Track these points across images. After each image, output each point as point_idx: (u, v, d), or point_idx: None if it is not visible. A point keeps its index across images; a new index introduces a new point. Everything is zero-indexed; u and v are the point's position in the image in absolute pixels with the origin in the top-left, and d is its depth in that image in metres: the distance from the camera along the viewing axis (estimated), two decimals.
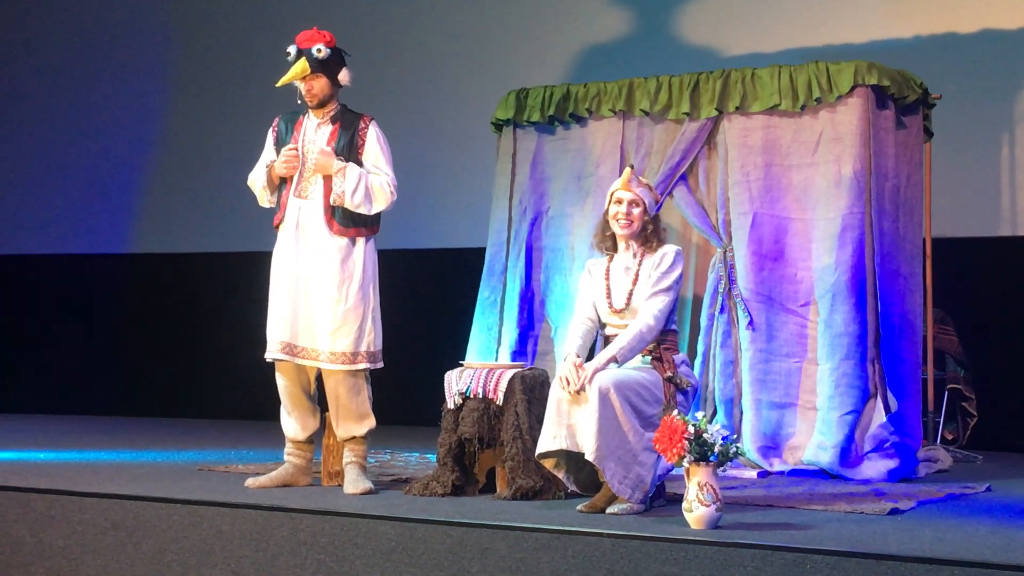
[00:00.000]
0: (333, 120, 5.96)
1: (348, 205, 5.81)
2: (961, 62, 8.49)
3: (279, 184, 5.99)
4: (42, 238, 11.39)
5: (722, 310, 6.82)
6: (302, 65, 5.85)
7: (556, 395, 5.23)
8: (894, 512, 5.21)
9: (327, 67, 5.89)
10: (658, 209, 5.83)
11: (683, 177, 7.00)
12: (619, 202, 5.55)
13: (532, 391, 5.66)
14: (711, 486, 4.72)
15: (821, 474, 6.41)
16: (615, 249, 5.62)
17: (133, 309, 11.11)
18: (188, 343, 10.79)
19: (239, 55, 10.74)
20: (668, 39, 9.28)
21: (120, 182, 11.13)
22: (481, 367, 5.80)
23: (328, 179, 5.85)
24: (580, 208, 7.21)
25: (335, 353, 5.81)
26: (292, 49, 5.88)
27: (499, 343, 7.27)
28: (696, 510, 4.72)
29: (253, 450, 7.44)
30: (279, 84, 5.92)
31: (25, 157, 11.50)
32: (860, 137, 6.62)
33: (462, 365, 5.90)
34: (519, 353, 7.20)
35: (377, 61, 10.18)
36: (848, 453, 6.41)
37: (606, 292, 5.54)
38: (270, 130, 6.10)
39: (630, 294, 5.48)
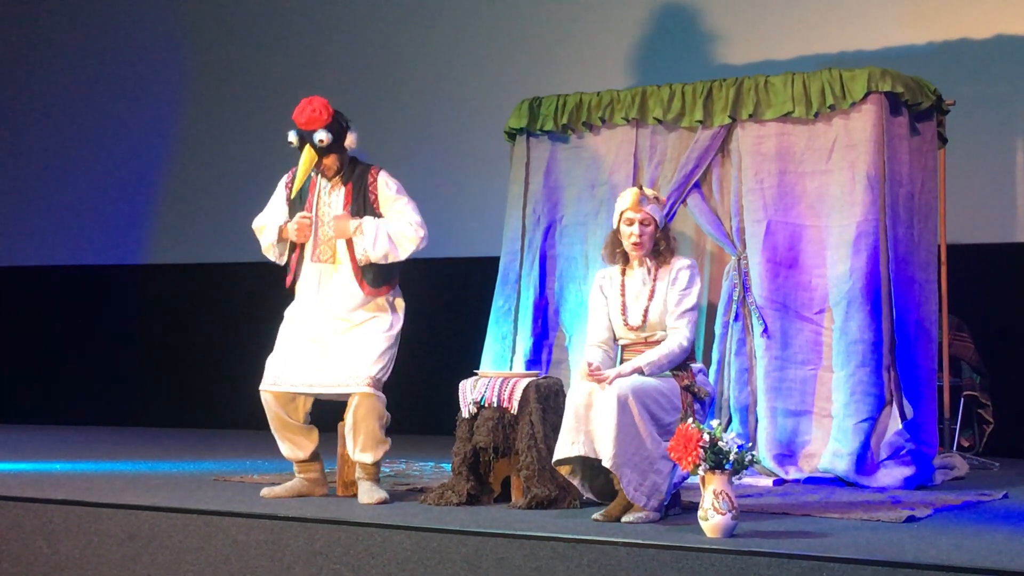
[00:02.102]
0: (344, 180, 5.98)
1: (375, 259, 5.83)
2: (975, 68, 8.47)
3: (290, 245, 6.01)
4: (57, 249, 11.42)
5: (736, 318, 6.81)
6: (310, 156, 5.86)
7: (574, 402, 5.22)
8: (911, 520, 5.19)
9: (333, 146, 5.90)
10: (671, 218, 5.82)
11: (697, 185, 6.99)
12: (630, 223, 5.52)
13: (547, 400, 5.65)
14: (726, 494, 4.71)
15: (837, 482, 6.39)
16: (626, 262, 5.60)
17: (148, 319, 11.13)
18: (203, 353, 10.80)
19: (253, 68, 10.76)
20: (681, 47, 9.28)
21: (134, 193, 11.15)
22: (496, 376, 5.80)
23: (350, 242, 5.87)
24: (594, 216, 7.21)
25: (359, 377, 5.79)
26: (293, 136, 5.88)
27: (513, 352, 7.26)
28: (712, 518, 4.71)
29: (268, 460, 7.45)
30: (295, 193, 5.92)
31: (39, 169, 11.53)
32: (874, 144, 6.61)
33: (476, 374, 5.90)
34: (533, 362, 7.20)
35: (390, 71, 10.20)
36: (864, 461, 6.39)
37: (622, 308, 5.53)
38: (282, 184, 6.10)
39: (646, 311, 5.48)
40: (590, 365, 5.28)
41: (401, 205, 5.92)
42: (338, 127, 5.90)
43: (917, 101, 6.73)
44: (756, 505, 5.56)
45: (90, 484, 6.29)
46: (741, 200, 6.86)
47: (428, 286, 9.72)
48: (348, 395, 5.79)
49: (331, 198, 5.96)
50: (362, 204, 5.91)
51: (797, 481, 6.45)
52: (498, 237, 7.61)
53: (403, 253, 5.86)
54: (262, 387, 5.88)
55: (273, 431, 5.95)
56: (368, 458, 5.78)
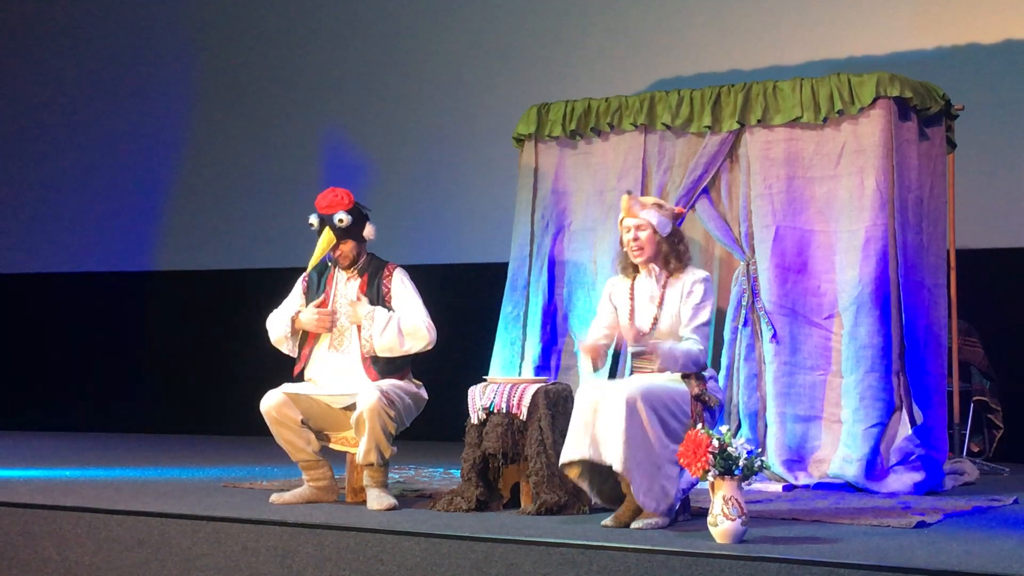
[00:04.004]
0: (361, 272, 6.08)
1: (379, 349, 5.90)
2: (984, 73, 8.47)
3: (302, 336, 6.09)
4: (66, 256, 11.45)
5: (745, 323, 6.80)
6: (328, 237, 5.98)
7: (581, 406, 5.22)
8: (921, 525, 5.18)
9: (351, 231, 6.01)
10: (680, 222, 5.80)
11: (705, 190, 6.99)
12: (627, 230, 5.53)
13: (556, 406, 5.65)
14: (736, 500, 4.71)
15: (847, 487, 6.38)
16: (636, 271, 5.59)
17: (156, 326, 11.15)
18: (211, 360, 10.81)
19: (262, 76, 10.78)
20: (689, 53, 9.28)
21: (142, 201, 11.17)
22: (504, 382, 5.80)
23: (360, 329, 5.96)
24: (602, 222, 7.21)
25: (370, 385, 5.82)
26: (314, 219, 6.01)
27: (522, 358, 7.26)
28: (721, 524, 4.70)
29: (277, 467, 7.46)
30: (310, 268, 6.03)
31: (47, 176, 11.56)
32: (883, 149, 6.60)
33: (485, 380, 5.90)
34: (542, 368, 7.20)
35: (400, 78, 10.21)
36: (874, 466, 6.38)
37: (630, 313, 5.51)
38: (300, 280, 6.20)
39: (655, 319, 5.46)
40: (585, 346, 5.37)
41: (414, 303, 6.03)
42: (358, 214, 6.05)
43: (926, 106, 6.72)
44: (766, 511, 5.56)
45: (100, 491, 6.30)
46: (750, 205, 6.86)
47: (437, 292, 9.69)
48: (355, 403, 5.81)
49: (347, 288, 6.07)
50: (375, 295, 6.02)
51: (807, 487, 6.44)
52: (507, 243, 7.61)
53: (407, 347, 5.94)
54: (272, 392, 5.91)
55: (275, 435, 5.98)
56: (371, 459, 5.78)
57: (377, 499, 5.73)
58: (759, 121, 6.86)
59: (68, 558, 5.42)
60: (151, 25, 11.29)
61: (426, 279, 9.26)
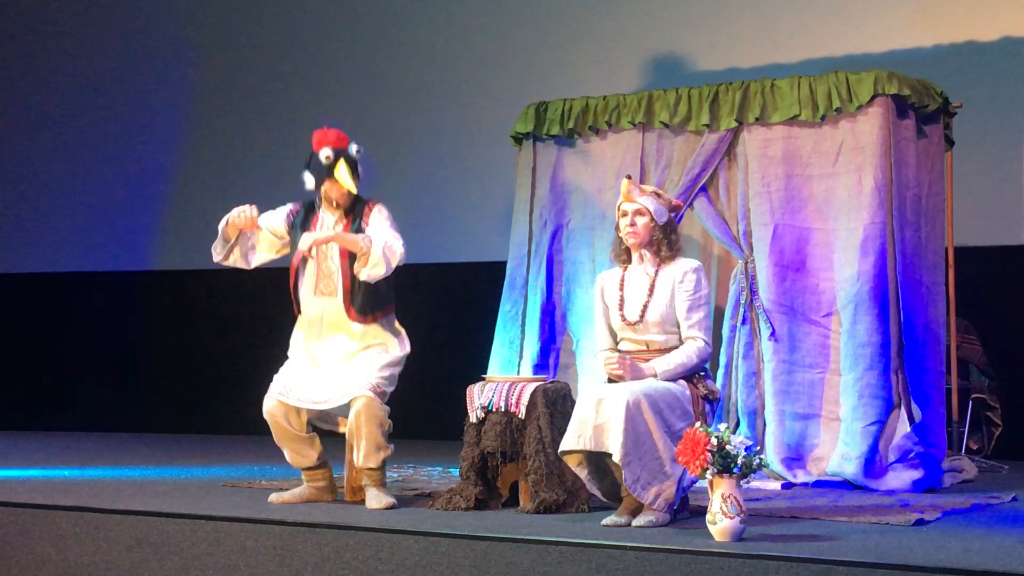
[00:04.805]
0: (346, 214, 5.97)
1: (380, 264, 5.74)
2: (982, 70, 8.47)
3: (234, 241, 6.00)
4: (66, 256, 11.44)
5: (744, 321, 6.81)
6: (347, 170, 5.82)
7: (585, 399, 5.21)
8: (919, 523, 5.19)
9: (358, 169, 5.92)
10: (679, 218, 5.80)
11: (703, 189, 6.99)
12: (624, 214, 5.53)
13: (554, 404, 5.65)
14: (735, 498, 4.71)
15: (845, 485, 6.38)
16: (630, 261, 5.60)
17: (156, 325, 11.15)
18: (210, 359, 10.82)
19: (262, 76, 10.78)
20: (687, 51, 9.28)
21: (142, 200, 11.17)
22: (503, 381, 5.80)
23: (345, 272, 5.84)
24: (600, 220, 7.21)
25: (361, 384, 5.80)
26: (329, 152, 5.84)
27: (521, 356, 7.26)
28: (720, 522, 4.70)
29: (276, 466, 7.46)
30: (354, 191, 5.87)
31: (47, 176, 11.56)
32: (881, 147, 6.60)
33: (484, 379, 5.90)
34: (541, 366, 7.20)
35: (397, 76, 10.21)
36: (872, 464, 6.38)
37: (619, 303, 5.51)
38: (286, 211, 6.09)
39: (645, 306, 5.45)
40: (612, 358, 5.29)
41: (387, 228, 5.87)
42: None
43: (924, 104, 6.72)
44: (764, 509, 5.56)
45: (98, 490, 6.30)
46: (748, 204, 6.86)
47: (435, 291, 9.74)
48: (350, 405, 5.79)
49: (334, 231, 5.95)
50: (356, 229, 5.90)
51: (805, 484, 6.44)
52: (505, 242, 7.61)
53: (393, 265, 5.81)
54: (269, 396, 5.89)
55: (277, 441, 5.97)
56: (369, 463, 5.77)
57: (376, 498, 5.73)
58: (757, 119, 6.86)
59: (67, 558, 5.42)
60: (151, 24, 11.29)
61: (424, 278, 9.30)
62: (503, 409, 5.66)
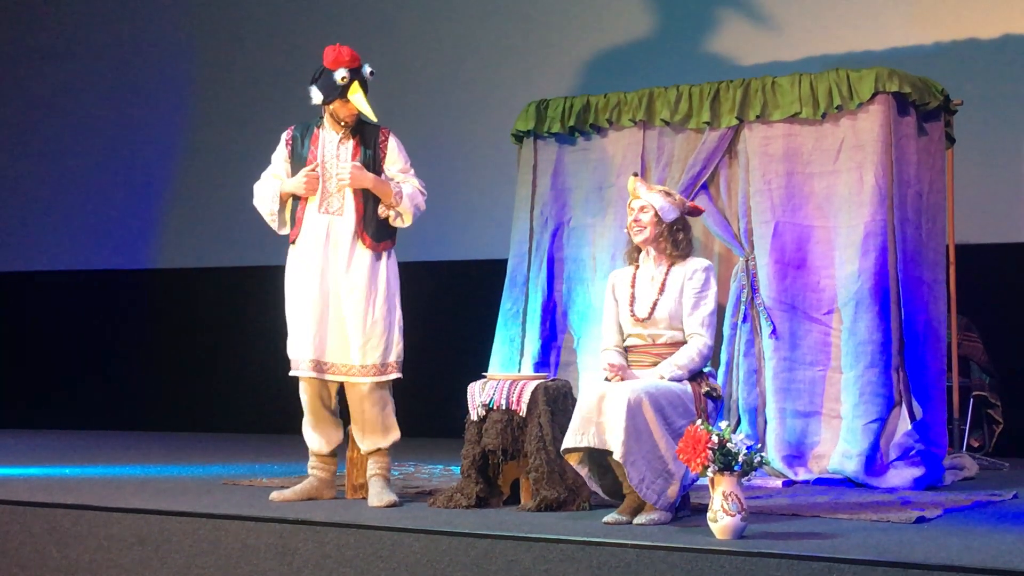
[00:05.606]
0: (352, 134, 5.93)
1: (407, 215, 5.78)
2: (982, 68, 8.46)
3: (289, 201, 5.92)
4: (66, 254, 11.44)
5: (745, 319, 6.81)
6: (363, 95, 5.76)
7: (586, 396, 5.21)
8: (920, 520, 5.18)
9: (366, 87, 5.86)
10: (692, 217, 5.79)
11: (704, 186, 6.99)
12: (631, 210, 5.55)
13: (555, 402, 5.65)
14: (736, 496, 4.71)
15: (846, 483, 6.38)
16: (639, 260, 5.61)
17: (156, 324, 11.16)
18: (211, 357, 10.82)
19: (261, 73, 10.78)
20: (688, 49, 9.28)
21: (141, 198, 11.17)
22: (504, 378, 5.80)
23: (358, 194, 5.82)
24: (601, 218, 7.21)
25: (365, 366, 5.80)
26: (345, 72, 5.76)
27: (522, 354, 7.26)
28: (721, 520, 4.70)
29: (277, 464, 7.46)
30: (374, 118, 5.82)
31: (46, 174, 11.56)
32: (882, 144, 6.60)
33: (485, 377, 5.90)
34: (542, 364, 7.20)
35: (397, 73, 10.20)
36: (873, 461, 6.38)
37: (630, 300, 5.52)
38: (283, 142, 6.02)
39: (655, 304, 5.46)
40: (612, 365, 5.29)
41: (408, 167, 5.92)
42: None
43: (924, 101, 6.72)
44: (765, 506, 5.56)
45: (99, 488, 6.30)
46: (749, 201, 6.86)
47: (436, 289, 9.74)
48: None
49: (339, 150, 5.88)
50: (371, 160, 5.86)
51: (806, 482, 6.44)
52: (506, 240, 7.61)
53: (414, 217, 5.85)
54: (299, 373, 5.85)
55: (308, 418, 5.91)
56: (378, 445, 5.79)
57: (378, 496, 5.72)
58: (758, 117, 6.86)
59: (68, 556, 5.42)
60: (151, 23, 11.29)
61: (425, 276, 9.30)
62: (504, 407, 5.66)
